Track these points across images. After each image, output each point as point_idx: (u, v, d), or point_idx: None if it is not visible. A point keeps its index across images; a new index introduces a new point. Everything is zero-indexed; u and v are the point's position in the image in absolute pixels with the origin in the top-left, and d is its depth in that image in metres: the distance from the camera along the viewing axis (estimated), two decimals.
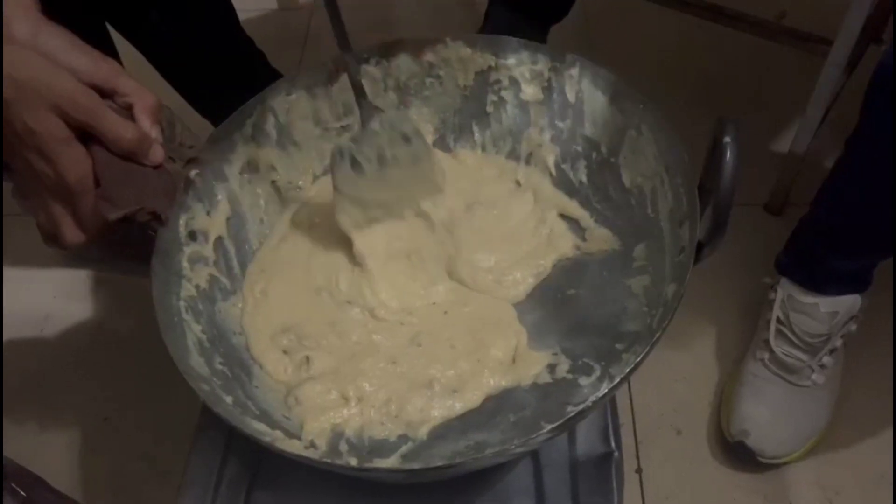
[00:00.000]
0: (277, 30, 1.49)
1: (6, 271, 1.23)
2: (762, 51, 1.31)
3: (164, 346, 0.62)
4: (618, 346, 0.67)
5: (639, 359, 0.58)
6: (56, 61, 0.57)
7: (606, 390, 0.58)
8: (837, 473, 0.96)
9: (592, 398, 0.58)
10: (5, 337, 1.15)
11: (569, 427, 0.60)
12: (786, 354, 0.96)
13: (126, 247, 1.15)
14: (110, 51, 0.98)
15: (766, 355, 0.97)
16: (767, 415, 0.94)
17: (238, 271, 0.77)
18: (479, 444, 0.65)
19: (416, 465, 0.63)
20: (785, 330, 0.96)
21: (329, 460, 0.63)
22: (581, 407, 0.57)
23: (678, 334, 1.09)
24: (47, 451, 1.03)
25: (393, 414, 0.67)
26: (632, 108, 0.74)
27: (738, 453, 0.95)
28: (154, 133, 0.61)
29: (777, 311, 0.97)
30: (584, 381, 0.67)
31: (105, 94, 0.59)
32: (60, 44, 0.58)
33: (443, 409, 0.67)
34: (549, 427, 0.57)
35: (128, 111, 0.60)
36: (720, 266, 1.14)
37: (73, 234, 0.63)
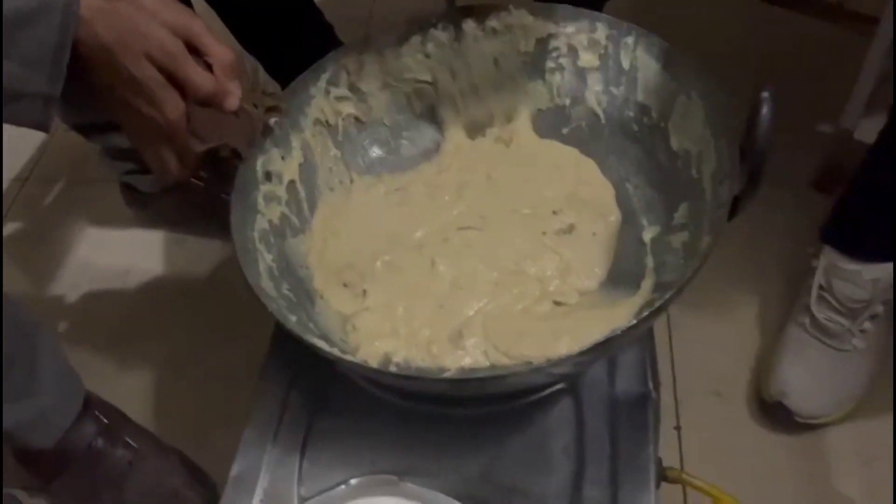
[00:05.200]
0: (342, 9, 1.53)
1: (93, 233, 1.33)
2: (816, 31, 1.33)
3: (233, 298, 0.68)
4: (654, 294, 0.72)
5: (667, 297, 0.63)
6: (152, 15, 0.63)
7: (632, 324, 0.62)
8: (875, 439, 0.98)
9: (618, 329, 0.63)
10: (92, 288, 1.24)
11: (597, 355, 0.64)
12: (827, 319, 0.98)
13: (198, 209, 1.24)
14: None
15: (807, 320, 1.00)
16: (806, 376, 0.98)
17: (307, 212, 0.84)
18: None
19: (456, 376, 0.70)
20: (827, 296, 0.99)
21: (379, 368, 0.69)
22: (607, 335, 0.62)
23: (723, 303, 1.12)
24: (124, 393, 1.09)
25: (433, 355, 0.73)
26: (684, 75, 0.78)
27: (775, 413, 0.98)
28: (231, 87, 0.68)
29: (819, 279, 0.99)
30: None
31: (191, 49, 0.66)
32: (156, 0, 0.64)
33: (475, 360, 0.73)
34: (578, 350, 0.62)
35: (209, 67, 0.67)
36: (768, 241, 1.17)
37: (177, 167, 0.71)
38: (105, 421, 0.96)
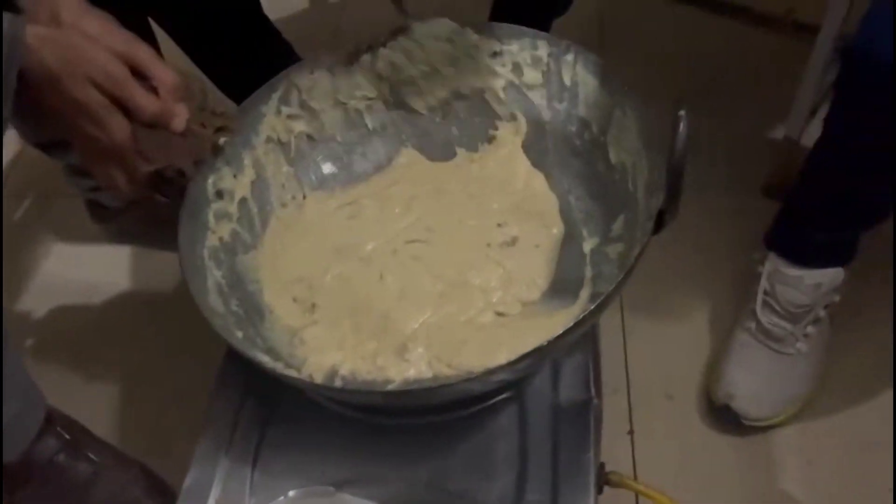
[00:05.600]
0: (309, 26, 1.54)
1: (61, 248, 1.34)
2: (768, 42, 1.36)
3: (197, 311, 0.70)
4: (589, 304, 0.75)
5: (591, 308, 0.65)
6: (97, 42, 0.66)
7: (558, 334, 0.64)
8: (819, 440, 1.01)
9: (550, 337, 0.65)
10: (58, 302, 1.26)
11: (531, 363, 0.67)
12: (771, 324, 1.01)
13: (160, 225, 1.26)
14: (149, 39, 1.09)
15: (753, 325, 1.03)
16: (752, 380, 1.00)
17: (259, 228, 0.85)
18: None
19: (396, 388, 0.72)
20: (771, 301, 1.02)
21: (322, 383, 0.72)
22: (541, 343, 0.64)
23: (676, 308, 1.15)
24: (91, 404, 1.11)
25: (378, 366, 0.75)
26: (618, 90, 0.80)
27: (723, 416, 1.01)
28: (177, 109, 0.70)
29: (764, 284, 1.02)
30: None
31: (137, 74, 0.68)
32: (101, 28, 0.66)
33: (419, 372, 0.75)
34: (513, 359, 0.65)
35: (155, 91, 0.69)
36: (720, 246, 1.20)
37: (127, 186, 0.72)
38: (67, 437, 0.97)
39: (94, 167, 0.73)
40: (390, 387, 0.74)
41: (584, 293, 0.77)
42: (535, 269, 0.81)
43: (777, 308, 1.01)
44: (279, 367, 0.71)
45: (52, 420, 0.97)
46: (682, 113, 0.63)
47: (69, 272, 1.30)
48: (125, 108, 0.68)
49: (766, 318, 1.02)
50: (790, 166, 1.21)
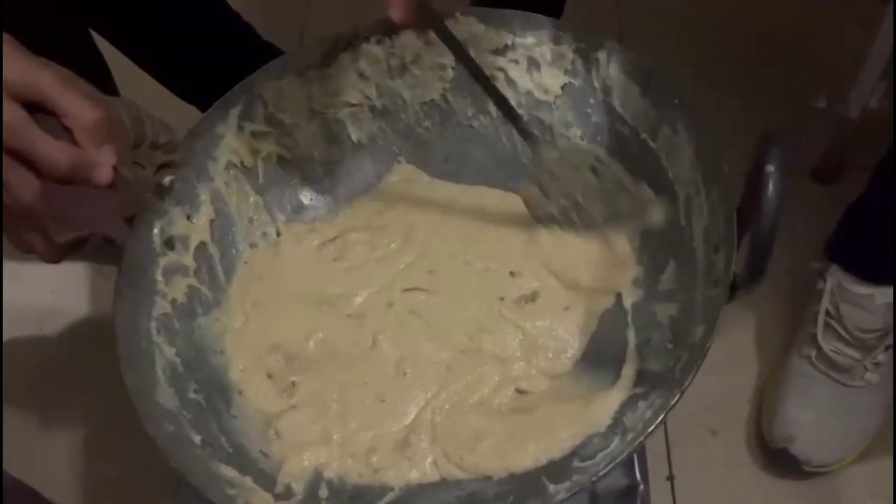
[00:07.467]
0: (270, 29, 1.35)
1: (7, 267, 1.15)
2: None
3: None
4: (637, 389, 0.59)
5: (656, 423, 0.51)
6: None
7: (621, 455, 0.50)
8: (891, 480, 0.87)
9: (604, 464, 0.51)
10: (7, 332, 1.09)
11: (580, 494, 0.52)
12: (835, 351, 0.86)
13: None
14: (91, 50, 0.93)
15: (813, 352, 0.88)
16: (814, 419, 0.86)
17: (223, 280, 0.70)
18: (472, 496, 0.58)
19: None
20: (834, 324, 0.86)
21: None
22: (585, 480, 0.51)
23: None
24: (49, 457, 0.99)
25: (373, 468, 0.60)
26: (667, 102, 0.64)
27: (781, 461, 0.87)
28: (99, 155, 0.54)
29: (826, 303, 0.87)
30: None
31: (42, 110, 0.52)
32: None
33: (422, 474, 0.60)
34: (560, 495, 0.51)
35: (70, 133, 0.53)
36: None
37: (48, 252, 0.58)
38: None
39: (5, 233, 0.57)
40: (389, 498, 0.59)
41: (628, 370, 0.61)
42: (565, 331, 0.65)
43: (842, 333, 0.86)
44: (247, 485, 0.57)
45: (4, 493, 0.84)
46: (770, 168, 0.47)
47: (17, 296, 1.12)
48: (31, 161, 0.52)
49: (828, 344, 0.86)
50: (848, 147, 1.05)
